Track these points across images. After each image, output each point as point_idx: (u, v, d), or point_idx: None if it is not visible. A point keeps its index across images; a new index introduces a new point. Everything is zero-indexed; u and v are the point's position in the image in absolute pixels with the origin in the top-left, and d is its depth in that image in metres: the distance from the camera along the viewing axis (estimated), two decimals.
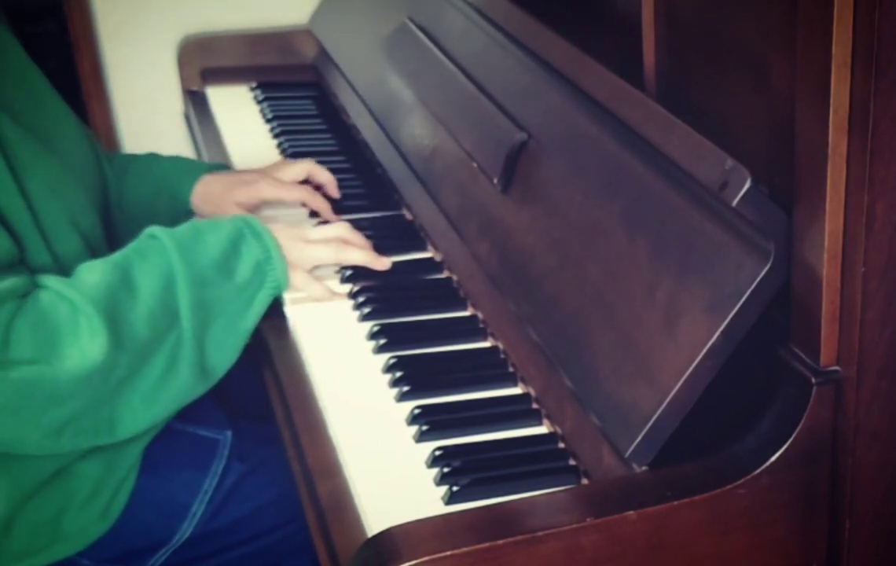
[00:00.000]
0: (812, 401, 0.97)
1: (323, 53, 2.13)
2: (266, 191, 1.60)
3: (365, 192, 1.72)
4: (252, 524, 1.47)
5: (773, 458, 0.97)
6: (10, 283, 1.21)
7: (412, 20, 1.74)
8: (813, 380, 0.98)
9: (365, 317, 1.39)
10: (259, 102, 2.09)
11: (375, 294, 1.43)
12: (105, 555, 1.40)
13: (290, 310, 1.41)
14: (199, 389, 1.33)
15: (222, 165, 1.73)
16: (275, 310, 1.43)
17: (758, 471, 0.97)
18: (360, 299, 1.42)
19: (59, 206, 1.33)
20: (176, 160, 1.68)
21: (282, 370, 1.35)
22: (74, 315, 1.22)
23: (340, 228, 1.47)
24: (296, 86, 2.17)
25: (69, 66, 2.25)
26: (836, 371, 0.98)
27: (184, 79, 2.20)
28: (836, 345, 0.98)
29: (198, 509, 1.42)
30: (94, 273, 1.27)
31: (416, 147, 1.60)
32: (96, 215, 1.43)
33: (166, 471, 1.42)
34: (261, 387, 1.44)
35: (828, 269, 0.95)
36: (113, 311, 1.24)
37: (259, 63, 2.21)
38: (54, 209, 1.32)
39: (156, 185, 1.62)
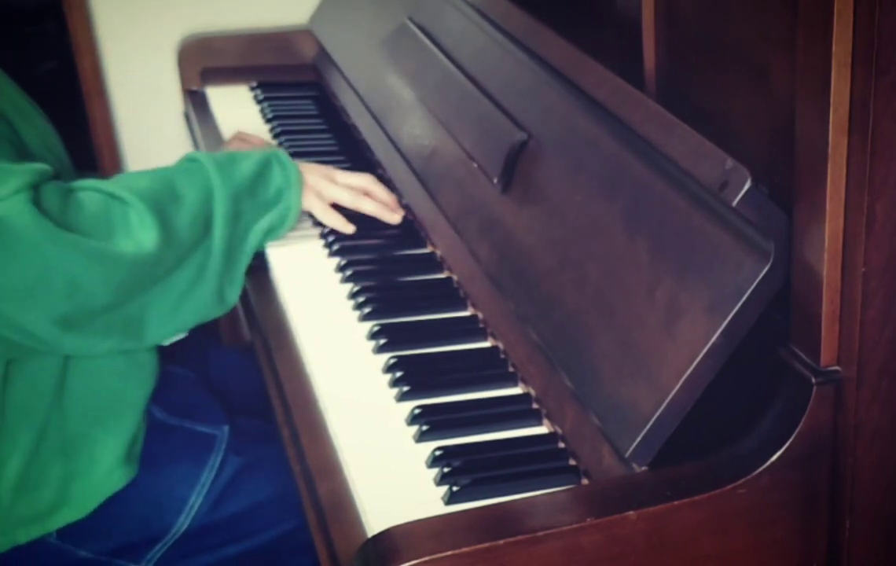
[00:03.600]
0: (812, 401, 0.97)
1: (323, 53, 2.13)
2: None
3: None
4: (251, 520, 1.47)
5: (774, 458, 0.97)
6: (38, 166, 1.26)
7: (412, 20, 1.74)
8: (813, 380, 0.98)
9: (365, 317, 1.39)
10: (259, 102, 2.09)
11: (375, 294, 1.43)
12: (103, 548, 1.40)
13: (290, 310, 1.41)
14: (216, 311, 1.40)
15: None
16: (275, 309, 1.43)
17: (758, 470, 0.97)
18: (360, 299, 1.42)
19: (34, 130, 1.40)
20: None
21: (282, 370, 1.35)
22: (126, 210, 1.29)
23: (366, 179, 1.57)
24: (296, 86, 2.17)
25: (69, 66, 2.25)
26: (836, 371, 0.98)
27: (184, 78, 2.20)
28: (836, 345, 0.98)
29: (196, 501, 1.43)
30: (141, 179, 1.34)
31: (416, 147, 1.60)
32: (63, 151, 1.50)
33: (164, 466, 1.42)
34: (259, 385, 1.44)
35: (828, 268, 0.95)
36: (161, 212, 1.31)
37: (259, 63, 2.21)
38: (29, 132, 1.38)
39: None
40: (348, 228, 1.52)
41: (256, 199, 1.42)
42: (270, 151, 1.48)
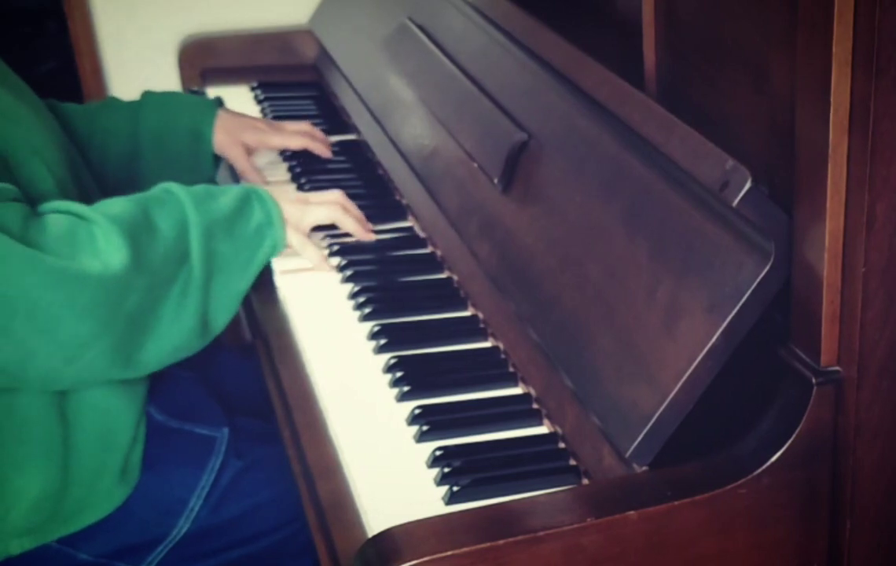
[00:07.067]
0: (812, 402, 0.97)
1: (323, 53, 2.13)
2: (274, 139, 1.77)
3: (365, 192, 1.72)
4: (251, 523, 1.47)
5: (774, 458, 0.97)
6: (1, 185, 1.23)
7: (412, 20, 1.74)
8: (813, 380, 0.98)
9: (365, 318, 1.39)
10: (259, 102, 2.09)
11: (376, 294, 1.43)
12: (103, 551, 1.40)
13: (291, 310, 1.41)
14: (199, 343, 1.37)
15: (220, 101, 1.82)
16: (276, 310, 1.43)
17: (758, 470, 0.97)
18: (361, 299, 1.42)
19: (19, 133, 1.35)
20: (184, 97, 1.77)
21: (282, 370, 1.35)
22: (93, 230, 1.25)
23: (338, 194, 1.55)
24: (296, 86, 2.17)
25: (69, 66, 2.25)
26: (836, 371, 0.98)
27: (184, 79, 2.21)
28: (836, 345, 0.98)
29: (195, 504, 1.42)
30: (115, 205, 1.31)
31: (417, 147, 1.60)
32: (60, 150, 1.44)
33: (163, 468, 1.42)
34: (258, 386, 1.44)
35: (828, 268, 0.95)
36: (134, 237, 1.27)
37: (259, 63, 2.21)
38: (13, 135, 1.34)
39: (172, 122, 1.71)
40: (325, 265, 1.48)
41: (235, 236, 1.38)
42: (249, 186, 1.44)
